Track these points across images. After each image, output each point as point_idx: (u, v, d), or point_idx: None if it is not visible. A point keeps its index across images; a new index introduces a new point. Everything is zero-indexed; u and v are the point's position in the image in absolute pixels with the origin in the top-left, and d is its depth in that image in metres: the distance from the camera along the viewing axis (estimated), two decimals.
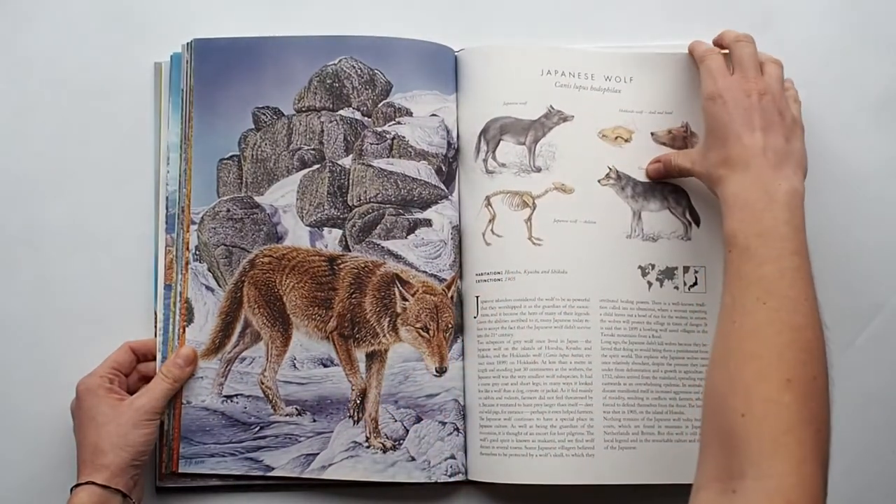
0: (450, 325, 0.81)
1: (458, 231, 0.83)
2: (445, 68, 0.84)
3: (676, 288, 0.81)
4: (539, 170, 0.82)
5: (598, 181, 0.82)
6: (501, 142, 0.83)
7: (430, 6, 0.87)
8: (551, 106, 0.82)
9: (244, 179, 0.83)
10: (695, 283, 0.82)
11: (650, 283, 0.81)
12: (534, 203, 0.81)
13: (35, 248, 0.84)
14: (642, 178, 0.83)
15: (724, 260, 0.69)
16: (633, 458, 0.78)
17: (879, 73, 0.86)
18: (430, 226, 0.82)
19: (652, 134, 0.83)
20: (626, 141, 0.83)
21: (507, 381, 0.79)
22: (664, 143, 0.83)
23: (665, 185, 0.83)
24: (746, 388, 0.62)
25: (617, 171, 0.82)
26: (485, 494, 0.82)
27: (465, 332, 0.82)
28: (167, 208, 0.82)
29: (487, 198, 0.82)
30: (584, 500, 0.80)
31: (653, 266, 0.81)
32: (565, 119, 0.82)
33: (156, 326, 0.81)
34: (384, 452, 0.80)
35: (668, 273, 0.81)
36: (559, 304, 0.79)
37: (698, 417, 0.79)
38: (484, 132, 0.83)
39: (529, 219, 0.81)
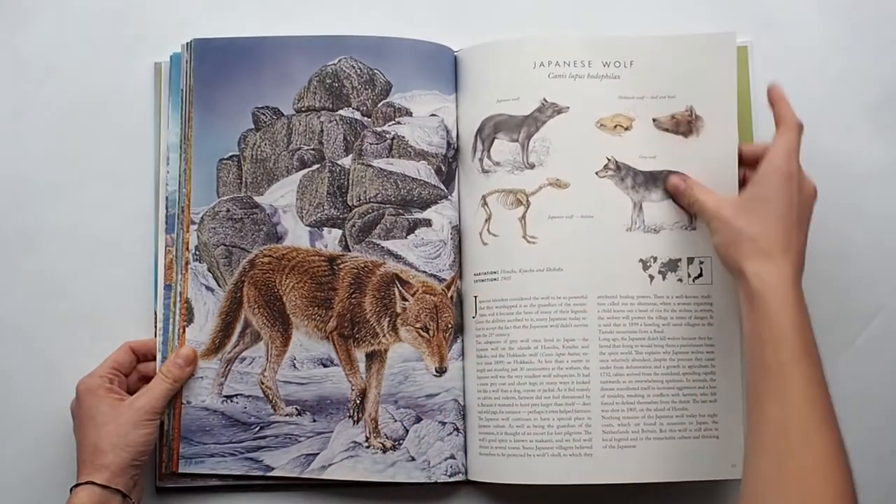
0: (449, 325, 0.81)
1: (457, 231, 0.83)
2: (445, 68, 0.84)
3: (680, 280, 0.80)
4: (532, 166, 0.81)
5: (596, 173, 0.81)
6: (496, 140, 0.82)
7: (430, 6, 0.87)
8: (544, 99, 0.81)
9: (244, 179, 0.83)
10: (700, 275, 0.81)
11: (652, 277, 0.80)
12: (527, 201, 0.80)
13: (35, 248, 0.84)
14: (644, 167, 0.81)
15: (760, 346, 0.68)
16: (633, 456, 0.78)
17: (879, 74, 0.86)
18: (430, 226, 0.82)
19: (654, 120, 0.81)
20: (627, 129, 0.81)
21: (504, 381, 0.79)
22: (667, 130, 0.81)
23: (669, 174, 0.81)
24: None
25: (616, 162, 0.80)
26: (484, 494, 0.82)
27: (464, 332, 0.82)
28: (167, 208, 0.82)
29: (483, 197, 0.82)
30: (584, 499, 0.80)
31: (655, 259, 0.80)
32: (560, 111, 0.81)
33: (156, 326, 0.81)
34: (384, 452, 0.80)
35: (672, 265, 0.80)
36: (555, 302, 0.79)
37: (703, 413, 0.79)
38: (479, 131, 0.82)
39: (523, 217, 0.81)
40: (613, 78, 0.81)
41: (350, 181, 0.83)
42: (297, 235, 0.82)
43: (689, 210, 0.80)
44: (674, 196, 0.80)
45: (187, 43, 0.83)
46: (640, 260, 0.80)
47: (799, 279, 0.70)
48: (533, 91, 0.81)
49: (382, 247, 0.82)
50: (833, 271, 0.84)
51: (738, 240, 0.71)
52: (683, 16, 0.87)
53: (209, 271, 0.82)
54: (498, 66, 0.82)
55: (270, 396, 0.81)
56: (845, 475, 0.64)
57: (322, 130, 0.83)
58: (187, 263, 0.81)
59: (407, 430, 0.80)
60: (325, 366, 0.81)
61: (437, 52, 0.83)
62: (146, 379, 0.79)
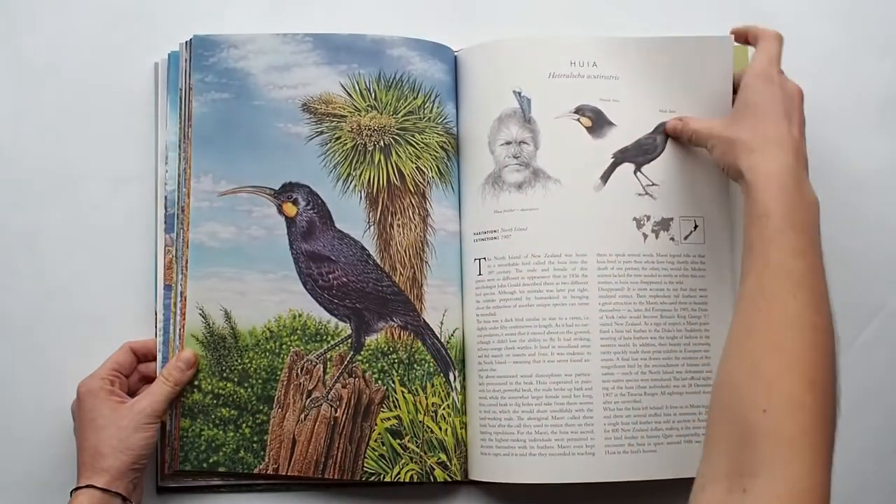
0: None
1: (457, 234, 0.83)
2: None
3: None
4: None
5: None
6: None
7: (430, 6, 0.87)
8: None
9: None
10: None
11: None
12: None
13: (35, 248, 0.84)
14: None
15: (748, 230, 0.68)
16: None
17: (880, 74, 0.86)
18: None
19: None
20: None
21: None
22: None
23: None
24: (769, 383, 0.60)
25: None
26: (485, 494, 0.82)
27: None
28: (166, 208, 0.82)
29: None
30: (586, 497, 0.81)
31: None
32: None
33: (156, 327, 0.81)
34: None
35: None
36: None
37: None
38: None
39: None
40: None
41: None
42: None
43: (691, 144, 0.81)
44: (674, 137, 0.82)
45: (186, 41, 0.83)
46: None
47: (797, 168, 0.70)
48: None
49: None
50: (833, 271, 0.83)
51: (733, 146, 0.73)
52: (684, 16, 0.87)
53: None
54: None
55: None
56: (822, 332, 0.63)
57: None
58: (187, 263, 0.81)
59: None
60: None
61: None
62: (147, 379, 0.79)
